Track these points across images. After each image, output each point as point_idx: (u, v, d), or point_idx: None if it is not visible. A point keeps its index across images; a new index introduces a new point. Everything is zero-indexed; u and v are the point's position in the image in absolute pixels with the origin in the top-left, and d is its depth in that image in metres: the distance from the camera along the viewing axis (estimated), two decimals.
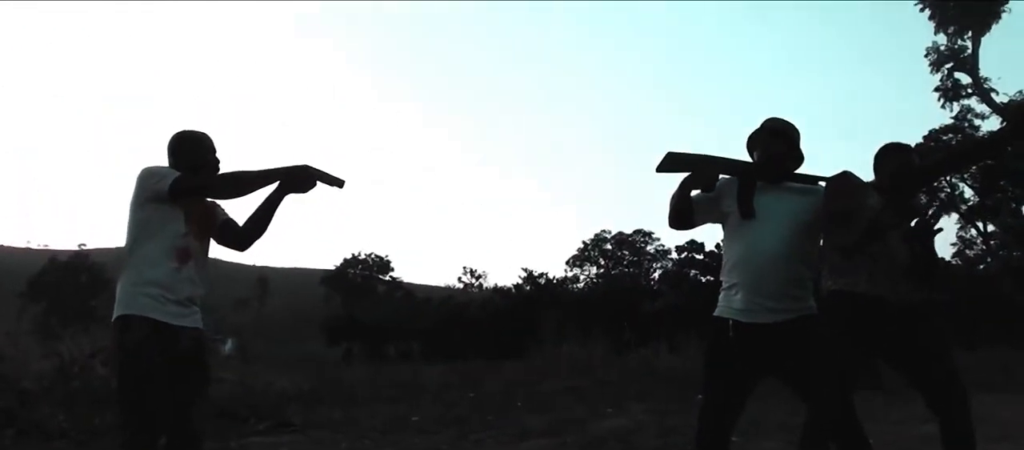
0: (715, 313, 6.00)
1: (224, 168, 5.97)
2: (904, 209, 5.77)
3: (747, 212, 5.84)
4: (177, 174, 5.62)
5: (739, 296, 5.83)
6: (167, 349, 5.46)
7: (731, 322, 5.82)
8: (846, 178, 5.69)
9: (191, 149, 5.90)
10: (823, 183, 5.85)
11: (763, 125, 6.05)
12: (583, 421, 12.47)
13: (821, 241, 5.85)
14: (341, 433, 11.62)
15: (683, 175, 5.93)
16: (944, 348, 5.82)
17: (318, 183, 5.81)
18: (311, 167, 5.74)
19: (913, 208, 5.91)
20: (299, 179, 5.74)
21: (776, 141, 5.93)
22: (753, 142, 6.07)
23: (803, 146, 6.04)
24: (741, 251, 5.89)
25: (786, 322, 5.68)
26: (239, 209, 6.08)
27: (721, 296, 6.02)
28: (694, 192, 5.95)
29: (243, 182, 5.76)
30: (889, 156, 5.93)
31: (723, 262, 6.11)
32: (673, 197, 5.97)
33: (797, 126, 6.09)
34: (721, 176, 5.93)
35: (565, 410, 13.88)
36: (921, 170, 6.11)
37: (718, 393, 5.86)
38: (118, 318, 5.51)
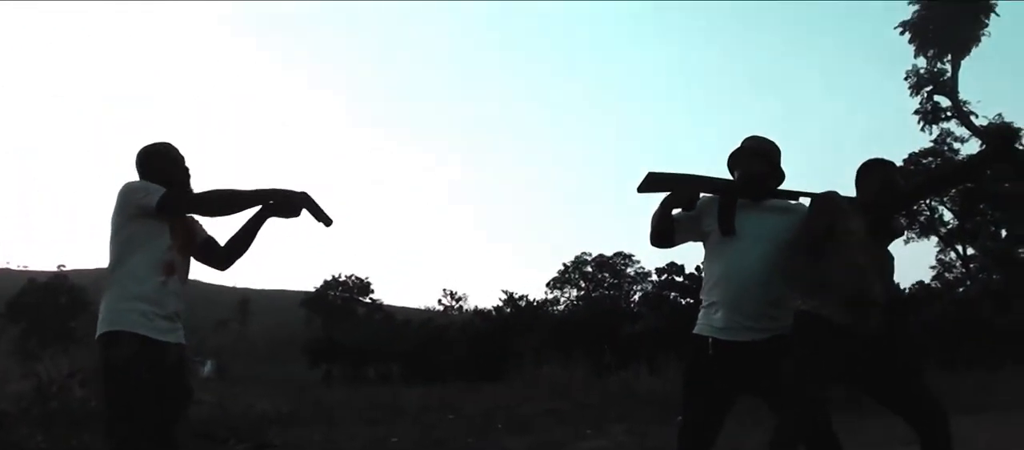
0: (695, 331, 6.02)
1: (194, 181, 5.96)
2: (884, 229, 5.80)
3: (727, 229, 5.88)
4: (164, 190, 5.61)
5: (719, 314, 5.87)
6: (155, 364, 5.47)
7: (710, 340, 5.85)
8: (832, 197, 5.75)
9: (162, 164, 5.89)
10: (806, 200, 5.91)
11: (743, 144, 6.11)
12: (563, 444, 12.47)
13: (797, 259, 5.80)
14: None
15: (664, 195, 5.97)
16: (915, 367, 5.86)
17: (303, 212, 5.76)
18: (309, 197, 5.73)
19: (892, 229, 5.93)
20: (288, 204, 5.72)
21: (756, 161, 5.98)
22: (734, 161, 6.11)
23: (785, 164, 6.09)
24: (721, 270, 5.93)
25: (765, 340, 5.72)
26: (219, 228, 6.07)
27: (701, 314, 6.06)
28: (676, 211, 5.99)
29: (234, 201, 5.78)
30: (873, 171, 5.95)
31: (704, 280, 6.14)
32: (654, 216, 6.03)
33: (777, 144, 6.13)
34: (702, 195, 5.96)
35: (545, 432, 13.88)
36: (903, 193, 6.13)
37: (697, 411, 5.90)
38: (105, 334, 5.48)
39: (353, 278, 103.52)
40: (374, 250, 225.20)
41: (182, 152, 5.99)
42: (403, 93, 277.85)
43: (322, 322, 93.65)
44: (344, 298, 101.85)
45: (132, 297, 5.53)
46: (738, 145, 6.12)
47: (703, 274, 6.19)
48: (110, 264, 5.67)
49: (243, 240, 6.03)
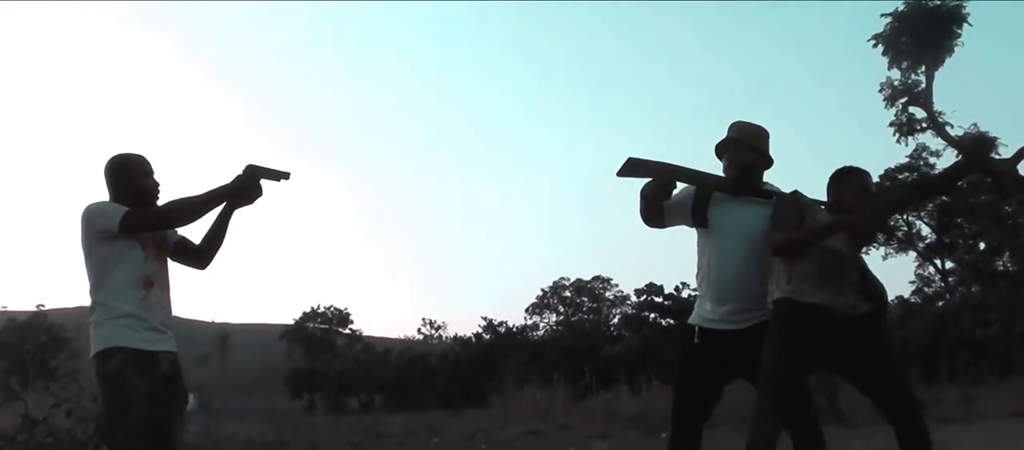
0: (689, 320, 6.19)
1: (163, 190, 5.93)
2: (858, 234, 5.79)
3: (700, 221, 6.01)
4: (124, 211, 5.61)
5: (707, 306, 6.04)
6: (148, 373, 5.55)
7: (697, 328, 6.02)
8: (796, 195, 5.85)
9: (128, 176, 5.85)
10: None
11: (731, 134, 6.15)
12: None
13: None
14: None
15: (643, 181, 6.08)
16: (892, 356, 5.92)
17: (264, 184, 5.83)
18: (255, 167, 5.76)
19: (862, 233, 5.92)
20: (245, 190, 5.76)
21: (746, 152, 6.04)
22: (722, 149, 6.16)
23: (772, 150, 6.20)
24: (707, 261, 6.08)
25: (750, 328, 5.83)
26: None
27: (696, 303, 6.23)
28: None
29: (192, 209, 5.75)
30: (848, 176, 5.95)
31: (696, 271, 6.25)
32: (640, 202, 6.13)
33: (765, 129, 6.21)
34: (679, 185, 6.06)
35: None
36: (885, 206, 6.13)
37: (686, 394, 6.09)
38: (99, 352, 5.54)
39: (332, 309, 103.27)
40: (352, 281, 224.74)
41: (151, 164, 5.96)
42: (377, 120, 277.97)
43: (302, 354, 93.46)
44: (323, 329, 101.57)
45: (118, 315, 5.57)
46: (727, 133, 6.17)
47: (696, 264, 6.28)
48: (90, 287, 5.69)
49: (216, 237, 6.05)
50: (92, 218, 5.65)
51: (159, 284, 5.82)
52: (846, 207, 5.78)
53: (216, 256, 6.17)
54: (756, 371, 5.73)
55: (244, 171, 5.76)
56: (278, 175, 5.84)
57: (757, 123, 6.25)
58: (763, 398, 5.62)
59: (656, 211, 6.12)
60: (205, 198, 5.74)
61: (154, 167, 5.95)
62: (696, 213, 6.02)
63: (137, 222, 5.65)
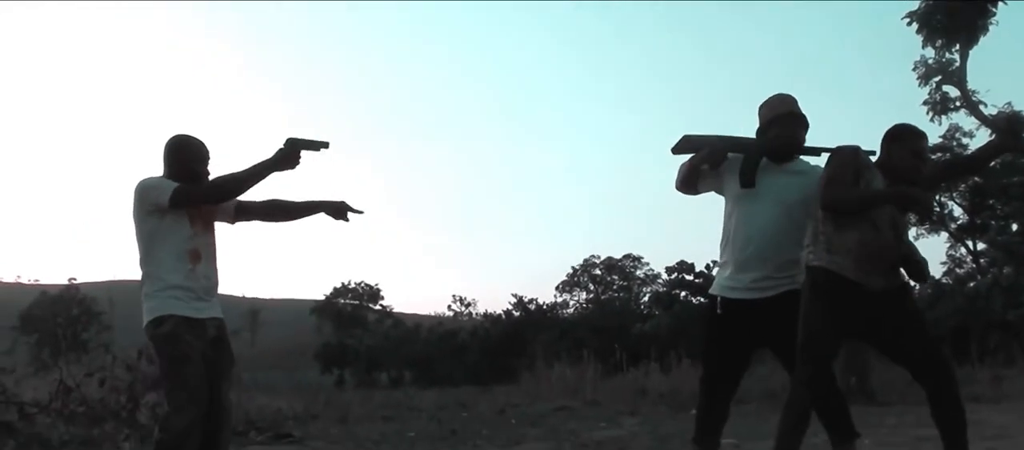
0: (710, 290, 6.33)
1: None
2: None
3: (748, 182, 6.08)
4: (174, 186, 5.91)
5: (727, 273, 6.17)
6: (199, 337, 5.96)
7: (719, 299, 6.13)
8: (856, 150, 5.82)
9: (184, 158, 6.16)
10: (825, 157, 6.00)
11: (785, 109, 6.20)
12: (577, 433, 12.47)
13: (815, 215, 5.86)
14: (338, 445, 11.64)
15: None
16: (922, 322, 5.94)
17: (304, 154, 6.08)
18: (295, 140, 6.07)
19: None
20: (287, 159, 6.02)
21: (799, 129, 6.15)
22: (770, 114, 6.22)
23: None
24: (733, 228, 6.18)
25: (774, 297, 5.92)
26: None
27: (717, 272, 6.38)
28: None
29: (238, 183, 6.05)
30: (906, 139, 5.89)
31: (721, 238, 6.35)
32: (682, 167, 6.31)
33: (794, 96, 6.25)
34: (730, 155, 6.20)
35: (559, 424, 13.89)
36: (926, 179, 6.12)
37: (713, 365, 6.22)
38: (152, 320, 5.90)
39: (363, 285, 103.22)
40: (383, 257, 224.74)
41: (207, 150, 6.27)
42: (409, 95, 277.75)
43: (333, 329, 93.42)
44: (354, 305, 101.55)
45: (166, 286, 5.92)
46: (778, 105, 6.23)
47: (722, 231, 6.36)
48: (140, 258, 6.04)
49: (252, 180, 6.14)
50: (145, 192, 5.97)
51: (206, 257, 6.15)
52: (896, 170, 5.78)
53: (275, 223, 6.65)
54: (781, 341, 5.81)
55: (285, 144, 6.03)
56: (317, 145, 6.12)
57: (782, 93, 6.31)
58: (801, 367, 5.64)
59: (696, 177, 6.28)
60: (250, 172, 6.02)
61: (210, 154, 6.24)
62: (745, 176, 6.08)
63: (186, 197, 5.95)
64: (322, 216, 6.52)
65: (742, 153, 6.16)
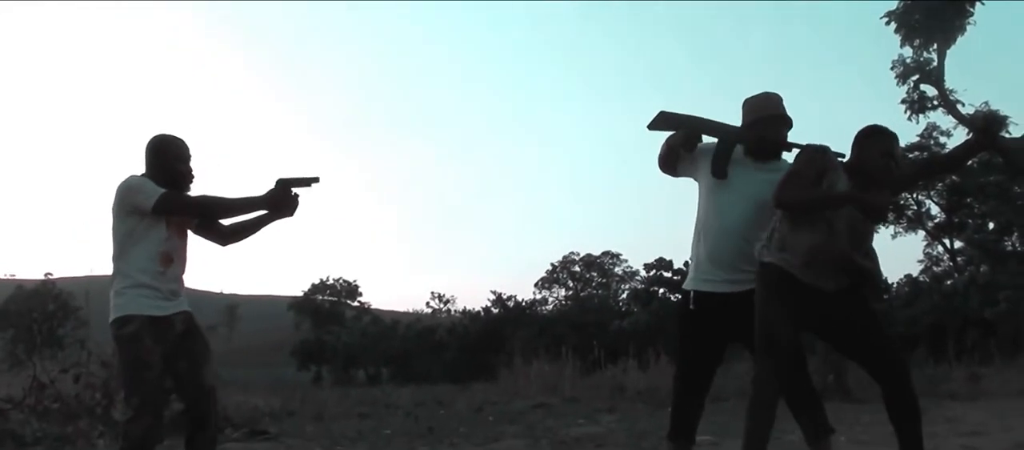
0: (684, 285, 6.35)
1: (197, 178, 6.28)
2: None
3: (719, 172, 6.12)
4: (161, 193, 5.92)
5: (698, 266, 6.19)
6: (163, 337, 5.96)
7: (692, 293, 6.15)
8: (825, 149, 5.82)
9: (166, 157, 6.18)
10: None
11: (771, 111, 6.22)
12: (555, 430, 12.49)
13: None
14: (314, 442, 11.63)
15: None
16: (876, 321, 5.92)
17: (299, 197, 6.15)
18: (285, 180, 6.12)
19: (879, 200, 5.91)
20: (282, 204, 6.12)
21: (778, 125, 6.18)
22: (754, 113, 6.23)
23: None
24: (703, 220, 6.23)
25: (745, 292, 5.91)
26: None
27: (689, 267, 6.37)
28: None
29: (225, 209, 6.23)
30: (876, 139, 5.88)
31: (693, 231, 6.34)
32: (661, 148, 6.31)
33: (780, 95, 6.26)
34: (706, 139, 6.25)
35: (537, 422, 13.90)
36: (901, 174, 6.14)
37: (686, 361, 6.24)
38: (117, 318, 5.92)
39: (341, 281, 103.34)
40: (362, 253, 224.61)
41: (188, 149, 6.29)
42: (387, 92, 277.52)
43: (311, 325, 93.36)
44: (332, 302, 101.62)
45: (135, 285, 5.94)
46: (763, 105, 6.25)
47: (694, 225, 6.39)
48: (113, 254, 6.07)
49: (247, 230, 6.45)
50: (128, 193, 5.99)
51: (177, 259, 6.18)
52: (867, 170, 5.79)
53: (236, 243, 6.58)
54: (751, 336, 5.80)
55: (275, 185, 6.10)
56: (307, 182, 6.16)
57: (766, 91, 6.32)
58: (761, 361, 5.69)
59: (675, 159, 6.30)
60: (240, 203, 6.16)
61: (191, 153, 6.27)
62: (717, 164, 6.12)
63: (170, 206, 6.00)
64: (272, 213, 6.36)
65: (717, 138, 6.21)
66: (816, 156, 5.77)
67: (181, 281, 6.28)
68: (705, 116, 6.26)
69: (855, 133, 5.97)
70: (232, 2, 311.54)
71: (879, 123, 5.96)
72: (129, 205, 5.97)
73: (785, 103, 6.24)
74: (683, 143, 6.18)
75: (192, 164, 6.27)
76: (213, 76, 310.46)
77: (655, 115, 6.23)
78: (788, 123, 6.19)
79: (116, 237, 6.07)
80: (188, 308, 6.30)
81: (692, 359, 6.23)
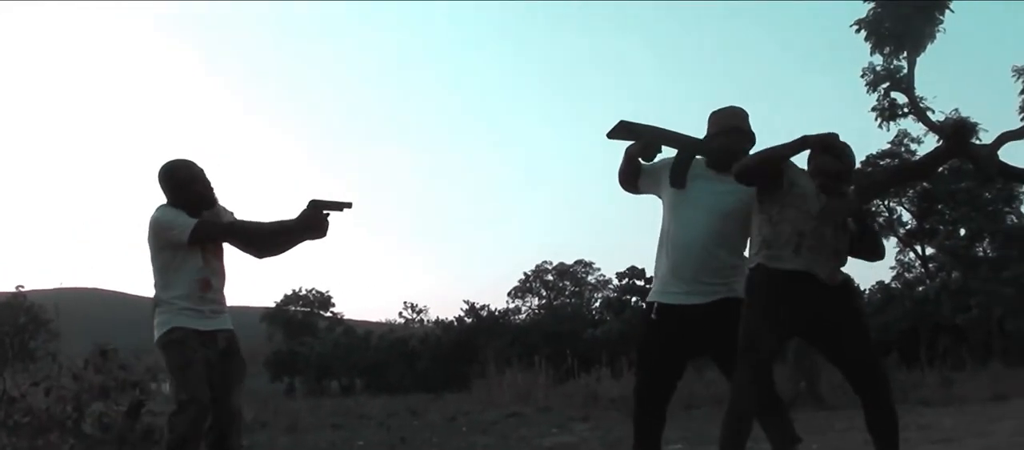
0: (648, 297, 6.30)
1: (217, 190, 6.53)
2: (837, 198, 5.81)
3: (677, 182, 6.08)
4: (194, 224, 6.19)
5: (662, 278, 6.14)
6: (207, 346, 6.28)
7: (655, 304, 6.09)
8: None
9: (181, 182, 6.38)
10: None
11: (731, 122, 6.22)
12: (528, 439, 12.50)
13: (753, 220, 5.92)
14: None
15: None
16: (864, 329, 5.94)
17: (329, 218, 6.28)
18: (318, 202, 6.23)
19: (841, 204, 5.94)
20: (312, 225, 6.24)
21: (740, 139, 6.16)
22: (717, 126, 6.22)
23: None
24: (665, 233, 6.19)
25: (709, 304, 5.90)
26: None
27: (654, 279, 6.33)
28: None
29: (258, 236, 6.54)
30: (812, 138, 5.91)
31: (657, 243, 6.30)
32: (621, 162, 6.28)
33: (746, 111, 6.29)
34: (665, 150, 6.22)
35: (510, 431, 13.91)
36: (866, 189, 6.20)
37: (646, 371, 6.17)
38: (163, 332, 6.24)
39: (314, 292, 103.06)
40: (335, 263, 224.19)
41: (198, 167, 6.46)
42: (358, 101, 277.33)
43: (283, 336, 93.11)
44: (305, 312, 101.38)
45: (180, 310, 6.25)
46: (727, 119, 6.25)
47: (658, 237, 6.34)
48: (156, 285, 6.37)
49: (281, 247, 6.65)
50: (161, 229, 6.26)
51: (215, 281, 6.47)
52: (822, 169, 5.82)
53: (270, 258, 6.80)
54: (717, 348, 5.87)
55: (308, 206, 6.22)
56: (340, 206, 6.28)
57: (733, 105, 6.34)
58: (740, 369, 5.64)
59: (634, 171, 6.28)
60: (272, 228, 6.42)
61: (201, 169, 6.45)
62: (675, 174, 6.09)
63: (205, 235, 6.30)
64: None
65: (676, 148, 6.18)
66: (772, 153, 5.78)
67: (222, 299, 6.53)
68: (668, 127, 6.23)
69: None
70: (195, 2, 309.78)
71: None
72: (164, 241, 6.22)
73: (751, 119, 6.27)
74: (641, 152, 6.16)
75: (208, 179, 6.43)
76: (180, 78, 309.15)
77: (615, 124, 6.20)
78: (750, 138, 6.19)
79: (154, 270, 6.33)
80: (231, 326, 6.56)
81: (652, 370, 6.16)
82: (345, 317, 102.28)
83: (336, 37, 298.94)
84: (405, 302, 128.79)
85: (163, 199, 6.42)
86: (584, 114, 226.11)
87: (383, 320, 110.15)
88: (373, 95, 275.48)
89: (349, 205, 6.29)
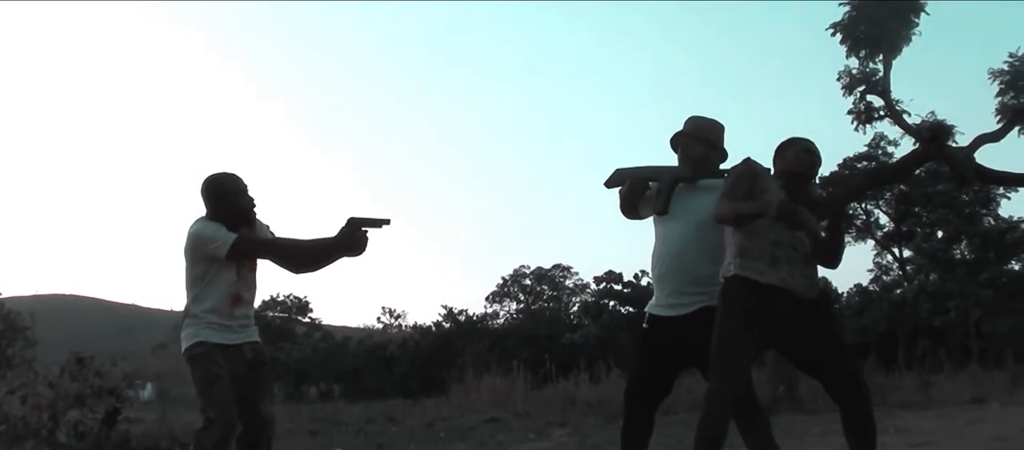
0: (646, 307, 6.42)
1: (258, 205, 6.63)
2: (805, 200, 5.83)
3: (661, 209, 6.27)
4: (233, 239, 6.28)
5: (655, 290, 6.30)
6: (232, 359, 6.34)
7: (648, 315, 6.25)
8: (749, 162, 5.96)
9: (224, 196, 6.49)
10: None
11: (684, 128, 6.45)
12: (506, 445, 12.49)
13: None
14: None
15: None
16: (839, 338, 6.01)
17: (368, 235, 6.34)
18: (356, 219, 6.29)
19: (813, 199, 5.97)
20: (352, 243, 6.32)
21: (697, 146, 6.33)
22: (676, 143, 6.47)
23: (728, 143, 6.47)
24: (654, 249, 6.36)
25: (694, 313, 5.98)
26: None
27: None
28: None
29: (297, 253, 6.63)
30: (791, 144, 6.08)
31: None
32: (619, 202, 6.55)
33: (718, 123, 6.49)
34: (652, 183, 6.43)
35: (488, 437, 13.89)
36: (844, 193, 6.24)
37: (634, 378, 6.32)
38: (190, 346, 6.32)
39: (291, 298, 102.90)
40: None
41: (243, 182, 6.57)
42: (334, 103, 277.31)
43: (262, 342, 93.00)
44: (282, 318, 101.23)
45: (207, 324, 6.32)
46: (689, 123, 6.47)
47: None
48: (187, 296, 6.44)
49: (318, 263, 6.67)
50: (201, 242, 6.34)
51: (247, 295, 6.59)
52: (793, 171, 5.94)
53: (307, 273, 6.88)
54: (700, 358, 5.85)
55: (346, 224, 6.28)
56: (379, 223, 6.34)
57: (711, 117, 6.52)
58: (713, 378, 5.66)
59: (632, 207, 6.52)
60: (310, 246, 6.48)
61: (246, 183, 6.55)
62: (658, 203, 6.29)
63: (243, 250, 6.40)
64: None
65: (660, 181, 6.37)
66: (743, 169, 5.91)
67: (251, 313, 6.64)
68: (654, 163, 6.49)
69: (774, 148, 6.15)
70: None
71: (795, 136, 6.14)
72: (202, 254, 6.31)
73: (723, 133, 6.49)
74: (629, 196, 6.46)
75: (250, 193, 6.56)
76: (152, 82, 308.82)
77: (611, 173, 6.52)
78: (720, 154, 6.42)
79: (189, 282, 6.40)
80: (257, 338, 6.73)
81: (639, 377, 6.28)
82: (323, 323, 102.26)
83: (319, 40, 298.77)
84: (383, 307, 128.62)
85: (194, 210, 6.51)
86: (561, 118, 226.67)
87: (361, 325, 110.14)
88: (349, 97, 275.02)
89: (388, 222, 6.32)
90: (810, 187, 5.99)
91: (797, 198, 5.75)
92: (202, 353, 6.22)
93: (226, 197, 6.43)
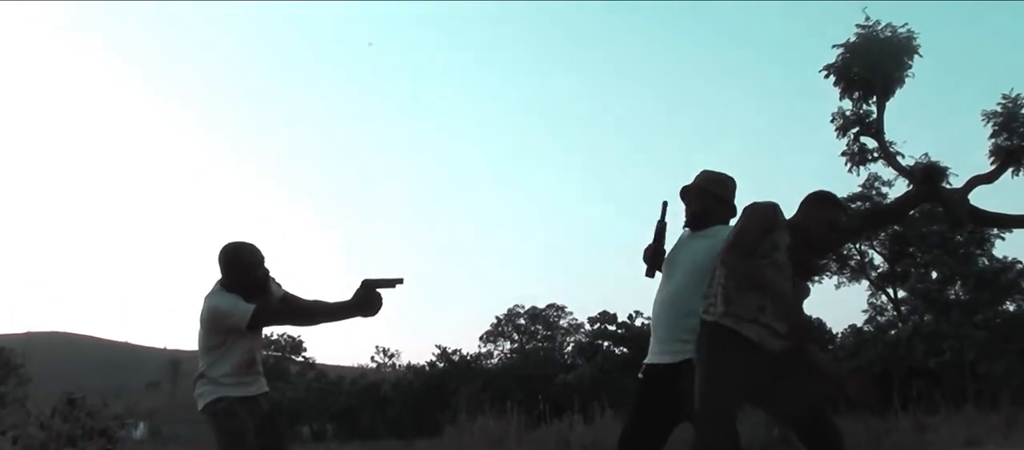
0: None
1: (272, 276, 6.70)
2: (805, 265, 5.80)
3: (648, 272, 6.54)
4: (253, 311, 6.35)
5: (651, 338, 6.28)
6: (254, 412, 6.50)
7: (644, 365, 6.23)
8: (773, 206, 5.81)
9: (241, 266, 6.56)
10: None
11: (694, 180, 6.43)
12: None
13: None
14: None
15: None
16: (814, 389, 5.90)
17: (382, 296, 6.41)
18: (370, 281, 6.37)
19: (811, 266, 5.96)
20: (367, 304, 6.38)
21: (703, 198, 6.32)
22: (684, 195, 6.46)
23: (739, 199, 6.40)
24: (654, 298, 6.36)
25: (678, 363, 5.94)
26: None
27: None
28: None
29: (312, 318, 7.00)
30: (825, 207, 6.00)
31: None
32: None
33: (728, 177, 6.46)
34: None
35: None
36: (841, 233, 6.22)
37: (628, 425, 6.32)
38: (209, 402, 6.44)
39: (285, 337, 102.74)
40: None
41: (261, 252, 6.64)
42: (334, 138, 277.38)
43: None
44: (276, 357, 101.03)
45: (222, 385, 6.45)
46: (700, 177, 6.46)
47: None
48: (202, 362, 6.56)
49: (329, 318, 6.78)
50: (220, 317, 6.43)
51: (258, 356, 6.75)
52: (807, 234, 5.84)
53: (315, 326, 6.93)
54: (687, 409, 5.80)
55: (360, 287, 6.37)
56: (392, 283, 6.39)
57: (721, 171, 6.49)
58: (700, 428, 5.61)
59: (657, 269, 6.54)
60: (324, 309, 6.66)
61: (263, 254, 6.68)
62: (646, 262, 6.53)
63: (262, 321, 6.53)
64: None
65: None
66: (767, 211, 5.75)
67: (261, 367, 6.78)
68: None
69: (807, 194, 6.06)
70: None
71: (831, 191, 6.09)
72: (222, 327, 6.41)
73: (730, 187, 6.44)
74: (653, 260, 6.52)
75: (266, 264, 6.64)
76: (141, 128, 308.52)
77: (647, 267, 6.57)
78: (729, 208, 6.36)
79: (205, 351, 6.51)
80: (267, 388, 6.82)
81: (633, 424, 6.28)
82: (317, 362, 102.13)
83: (300, 68, 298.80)
84: (377, 346, 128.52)
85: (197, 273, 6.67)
86: (557, 157, 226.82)
87: (355, 364, 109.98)
88: (343, 139, 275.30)
89: (401, 281, 6.37)
90: (814, 259, 5.93)
91: (799, 258, 5.70)
92: (224, 408, 6.35)
93: (244, 267, 6.52)
